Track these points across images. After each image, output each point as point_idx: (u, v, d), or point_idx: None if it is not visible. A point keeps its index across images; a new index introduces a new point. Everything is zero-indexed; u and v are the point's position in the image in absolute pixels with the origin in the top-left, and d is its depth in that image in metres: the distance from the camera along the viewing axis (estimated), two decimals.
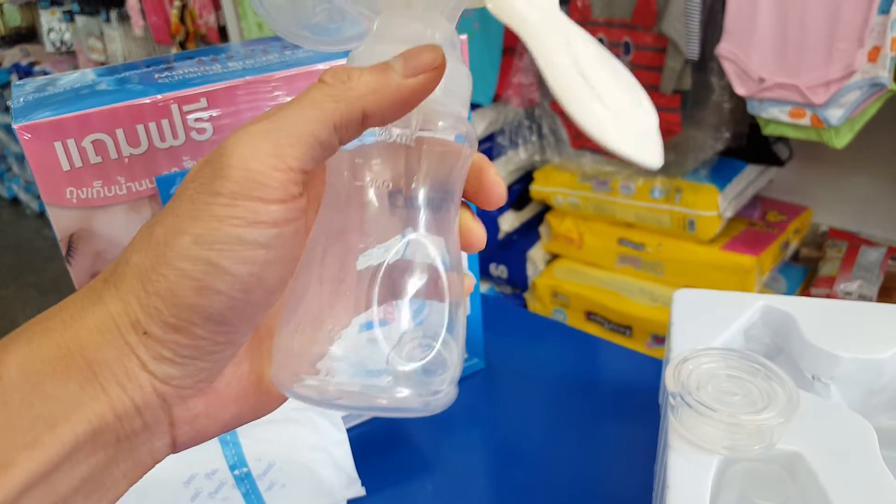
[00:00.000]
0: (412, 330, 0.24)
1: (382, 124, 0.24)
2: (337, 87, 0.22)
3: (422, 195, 0.25)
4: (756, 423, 0.35)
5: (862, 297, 1.10)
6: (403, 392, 0.23)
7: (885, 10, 0.86)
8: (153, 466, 0.24)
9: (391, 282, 0.24)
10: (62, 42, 2.70)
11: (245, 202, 0.21)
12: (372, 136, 0.24)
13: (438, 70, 0.23)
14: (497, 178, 0.27)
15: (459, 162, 0.26)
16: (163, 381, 0.22)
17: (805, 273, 1.24)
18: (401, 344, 0.23)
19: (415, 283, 0.24)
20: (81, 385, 0.21)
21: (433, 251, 0.25)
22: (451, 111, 0.25)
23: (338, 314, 0.24)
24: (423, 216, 0.25)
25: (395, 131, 0.24)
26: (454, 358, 0.25)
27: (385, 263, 0.24)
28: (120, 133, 0.36)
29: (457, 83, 0.25)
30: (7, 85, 2.98)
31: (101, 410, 0.21)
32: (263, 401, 0.26)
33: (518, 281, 1.43)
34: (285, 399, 0.26)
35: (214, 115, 0.38)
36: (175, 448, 0.24)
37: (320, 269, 0.25)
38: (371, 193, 0.25)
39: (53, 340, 0.21)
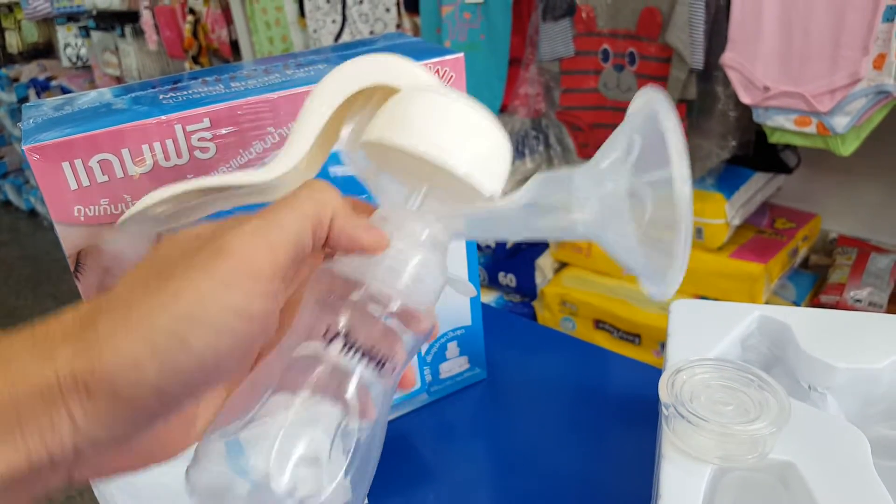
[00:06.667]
0: (314, 459, 0.25)
1: (333, 245, 0.27)
2: (318, 198, 0.26)
3: (368, 342, 0.27)
4: (748, 433, 0.35)
5: (872, 305, 1.10)
6: None
7: (889, 18, 0.86)
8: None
9: (312, 410, 0.26)
10: (78, 57, 2.74)
11: (238, 292, 0.23)
12: (350, 277, 0.27)
13: (381, 248, 0.27)
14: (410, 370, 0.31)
15: (415, 328, 0.28)
16: (84, 439, 0.22)
17: (814, 280, 1.24)
18: (296, 471, 0.24)
19: (334, 416, 0.26)
20: (3, 432, 0.21)
21: (365, 390, 0.27)
22: (416, 293, 0.28)
23: (252, 424, 0.25)
24: (365, 357, 0.27)
25: (370, 289, 0.27)
26: (352, 498, 0.26)
27: (312, 390, 0.26)
28: (126, 153, 0.37)
29: (427, 273, 0.28)
30: (25, 99, 3.03)
31: (15, 461, 0.21)
32: (162, 460, 0.27)
33: (526, 289, 1.44)
34: (179, 454, 0.28)
35: (217, 134, 0.39)
36: (69, 483, 0.24)
37: (258, 379, 0.27)
38: (328, 329, 0.27)
39: None
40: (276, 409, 0.25)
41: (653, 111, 0.27)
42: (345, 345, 0.26)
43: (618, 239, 0.29)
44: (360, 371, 0.27)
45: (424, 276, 0.28)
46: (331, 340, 0.26)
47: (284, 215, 0.25)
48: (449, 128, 0.27)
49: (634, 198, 0.27)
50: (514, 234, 0.32)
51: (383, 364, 0.27)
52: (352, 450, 0.26)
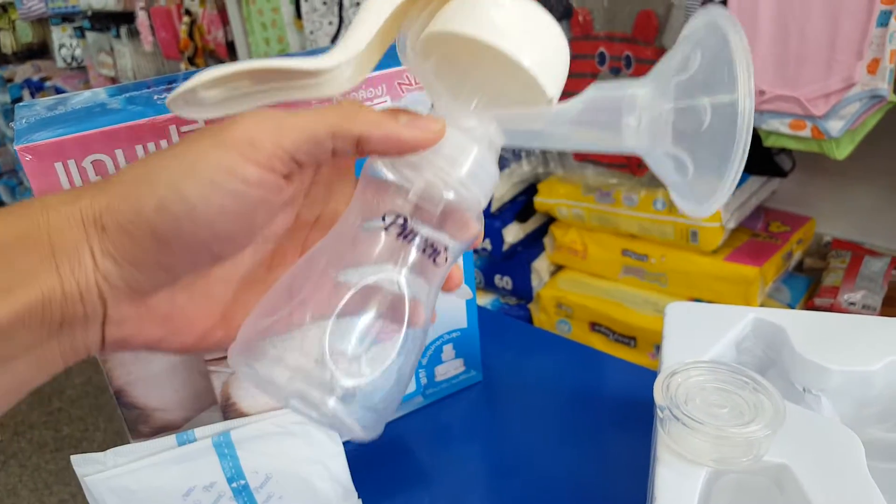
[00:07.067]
0: (359, 351, 0.25)
1: (374, 154, 0.27)
2: (346, 110, 0.27)
3: (418, 242, 0.27)
4: (743, 436, 0.35)
5: (866, 308, 1.10)
6: (317, 399, 0.24)
7: (883, 23, 0.87)
8: (85, 356, 0.27)
9: (359, 303, 0.26)
10: (73, 58, 2.74)
11: (233, 153, 0.25)
12: (398, 178, 0.27)
13: (432, 139, 0.27)
14: (457, 269, 0.31)
15: (462, 234, 0.28)
16: (103, 276, 0.25)
17: (809, 283, 1.24)
18: (340, 359, 0.25)
19: (380, 312, 0.26)
20: (41, 259, 0.24)
21: (412, 290, 0.27)
22: (471, 191, 0.28)
23: (299, 312, 0.26)
24: (414, 258, 0.27)
25: (420, 185, 0.27)
26: (387, 396, 0.26)
27: (361, 284, 0.26)
28: (119, 153, 0.37)
29: (483, 172, 0.28)
30: (19, 100, 3.02)
31: (51, 285, 0.24)
32: (186, 342, 0.29)
33: (523, 292, 1.44)
34: (207, 346, 0.29)
35: None
36: (103, 347, 0.27)
37: (305, 269, 0.27)
38: (378, 224, 0.27)
39: (28, 220, 0.25)
40: (319, 303, 0.26)
41: (716, 24, 0.26)
42: (400, 232, 0.26)
43: (666, 154, 0.28)
44: (412, 260, 0.26)
45: (479, 173, 0.28)
46: (387, 228, 0.26)
47: (302, 112, 0.26)
48: (517, 21, 0.27)
49: (690, 113, 0.27)
50: (562, 144, 0.31)
51: (436, 254, 0.27)
52: (394, 353, 0.26)
